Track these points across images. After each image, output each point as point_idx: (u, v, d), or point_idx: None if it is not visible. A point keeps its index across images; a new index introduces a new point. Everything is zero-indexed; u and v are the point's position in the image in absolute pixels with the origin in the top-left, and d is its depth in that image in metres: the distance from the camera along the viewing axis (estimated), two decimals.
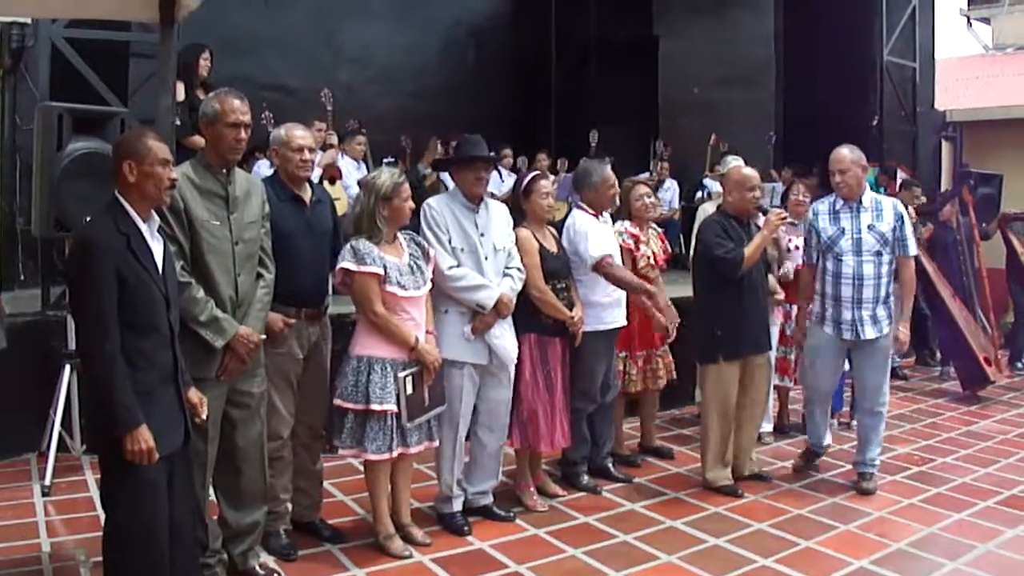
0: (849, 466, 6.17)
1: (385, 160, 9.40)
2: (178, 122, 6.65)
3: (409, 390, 4.42)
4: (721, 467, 5.73)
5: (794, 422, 7.09)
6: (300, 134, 4.52)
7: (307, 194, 4.56)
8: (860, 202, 5.59)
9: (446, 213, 4.85)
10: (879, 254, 5.54)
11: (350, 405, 4.41)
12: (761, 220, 5.84)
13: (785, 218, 5.67)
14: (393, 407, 4.38)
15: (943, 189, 11.86)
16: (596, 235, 5.45)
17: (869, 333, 5.57)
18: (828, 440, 6.11)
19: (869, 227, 5.55)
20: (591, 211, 5.58)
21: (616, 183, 5.69)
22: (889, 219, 5.56)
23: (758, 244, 5.53)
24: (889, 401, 7.82)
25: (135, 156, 3.35)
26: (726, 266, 5.47)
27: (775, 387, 6.65)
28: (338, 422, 4.49)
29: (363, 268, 4.36)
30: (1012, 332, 10.07)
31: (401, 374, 4.40)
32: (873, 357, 5.69)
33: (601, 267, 5.38)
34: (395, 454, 4.46)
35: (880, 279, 5.55)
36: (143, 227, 3.38)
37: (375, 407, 4.36)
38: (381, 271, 4.38)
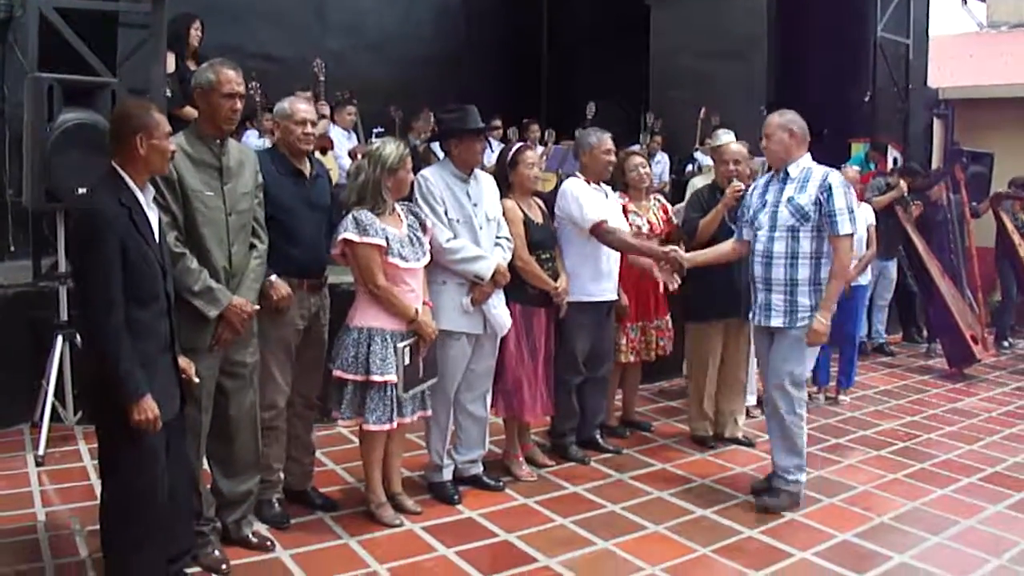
0: (835, 440, 6.25)
1: (375, 130, 9.40)
2: (168, 93, 6.64)
3: (407, 361, 4.44)
4: (700, 419, 6.15)
5: None
6: (304, 107, 4.52)
7: (308, 167, 4.57)
8: (787, 172, 5.01)
9: (440, 184, 4.85)
10: (794, 229, 4.89)
11: (350, 376, 4.41)
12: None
13: (739, 190, 5.74)
14: (393, 377, 4.40)
15: (934, 167, 11.88)
16: (590, 200, 5.47)
17: (775, 321, 4.98)
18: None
19: (789, 199, 4.94)
20: (586, 178, 5.61)
21: (613, 151, 5.67)
22: (812, 191, 4.89)
23: (712, 216, 5.84)
24: (873, 378, 7.98)
25: (145, 129, 3.38)
26: (686, 233, 5.91)
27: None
28: (337, 393, 4.51)
29: (366, 239, 4.35)
30: (998, 311, 10.13)
31: (400, 345, 4.42)
32: (780, 348, 5.02)
33: (598, 232, 5.42)
34: (395, 424, 4.48)
35: (795, 259, 4.90)
36: (141, 197, 3.41)
37: (375, 378, 4.37)
38: (383, 242, 4.38)
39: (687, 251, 5.59)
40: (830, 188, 4.85)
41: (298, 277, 4.46)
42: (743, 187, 5.77)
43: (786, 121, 5.04)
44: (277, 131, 4.57)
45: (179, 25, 7.39)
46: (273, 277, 4.30)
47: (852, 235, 4.87)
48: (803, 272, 4.88)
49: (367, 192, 4.46)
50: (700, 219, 5.85)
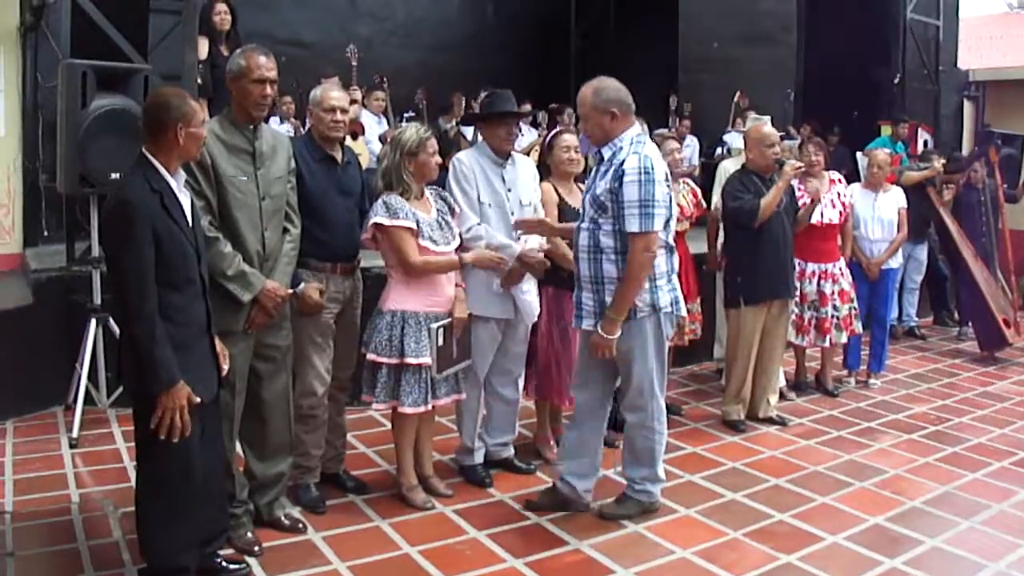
0: (866, 424, 6.23)
1: (405, 114, 9.43)
2: (199, 81, 6.68)
3: (440, 342, 4.46)
4: (735, 403, 6.15)
5: (810, 380, 7.12)
6: (335, 95, 4.53)
7: (339, 154, 4.58)
8: (602, 154, 4.43)
9: (476, 169, 4.85)
10: (595, 221, 4.36)
11: (384, 359, 4.43)
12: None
13: (800, 168, 5.85)
14: (427, 360, 4.42)
15: (965, 150, 11.77)
16: None
17: (586, 323, 4.46)
18: (589, 486, 4.70)
19: (592, 187, 4.45)
20: None
21: None
22: (610, 177, 4.30)
23: (775, 194, 5.81)
24: (904, 362, 7.93)
25: (184, 118, 3.41)
26: (744, 215, 5.81)
27: (791, 344, 6.69)
28: (370, 377, 4.54)
29: (396, 222, 4.37)
30: None
31: (433, 326, 4.43)
32: (617, 360, 4.50)
33: None
34: (430, 406, 4.52)
35: (598, 253, 4.36)
36: (172, 183, 3.44)
37: (410, 360, 4.39)
38: (414, 225, 4.40)
39: (749, 234, 5.80)
40: (622, 176, 4.23)
41: (331, 261, 4.48)
42: (802, 165, 5.86)
43: (603, 100, 4.36)
44: (310, 118, 4.61)
45: (206, 10, 7.45)
46: (302, 286, 4.31)
47: (650, 233, 4.22)
48: (608, 268, 4.34)
49: (391, 177, 4.49)
50: (754, 200, 5.79)
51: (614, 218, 4.27)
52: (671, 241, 4.48)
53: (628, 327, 4.36)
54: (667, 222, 4.39)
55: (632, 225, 4.20)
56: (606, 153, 4.37)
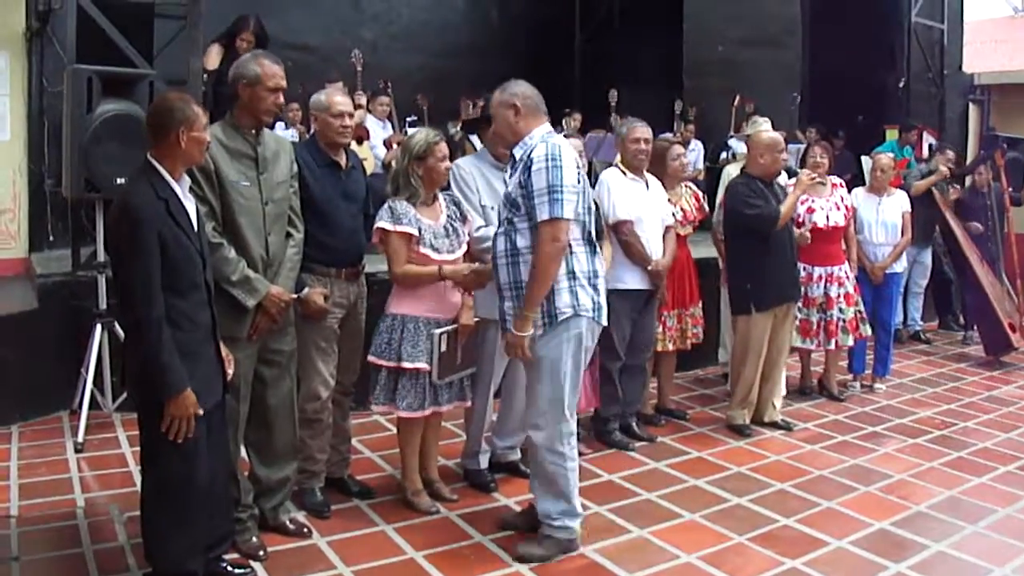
0: (872, 428, 6.22)
1: (408, 119, 9.44)
2: (203, 89, 6.68)
3: (443, 348, 4.45)
4: (741, 408, 6.13)
5: (814, 384, 7.11)
6: (341, 100, 4.53)
7: (343, 159, 4.58)
8: (513, 155, 4.21)
9: (475, 173, 4.87)
10: (509, 222, 4.10)
11: (383, 362, 4.46)
12: (784, 179, 6.10)
13: (815, 179, 5.87)
14: (424, 365, 4.42)
15: (970, 153, 11.76)
16: (621, 194, 5.51)
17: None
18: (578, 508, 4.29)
19: (506, 187, 4.26)
20: (624, 169, 5.61)
21: (643, 140, 5.59)
22: (519, 171, 4.09)
23: (792, 202, 5.89)
24: (910, 366, 7.92)
25: (187, 123, 3.41)
26: (762, 223, 5.79)
27: (797, 349, 6.69)
28: (372, 379, 4.55)
29: (398, 228, 4.37)
30: None
31: (436, 331, 4.43)
32: (526, 367, 4.28)
33: (618, 230, 5.49)
34: (427, 412, 4.52)
35: (515, 256, 4.08)
36: (177, 189, 3.44)
37: (406, 365, 4.40)
38: (415, 231, 4.40)
39: (757, 240, 5.79)
40: (531, 167, 4.00)
41: (335, 266, 4.49)
42: (817, 176, 5.93)
43: (508, 96, 4.18)
44: (315, 123, 4.60)
45: (234, 27, 7.46)
46: (306, 291, 4.32)
47: (559, 221, 3.93)
48: (525, 272, 4.04)
49: (399, 181, 4.51)
50: (775, 208, 5.80)
51: (527, 214, 4.02)
52: (594, 237, 4.27)
53: (546, 332, 4.07)
54: (589, 219, 4.19)
55: (542, 212, 3.93)
56: (518, 152, 4.15)
